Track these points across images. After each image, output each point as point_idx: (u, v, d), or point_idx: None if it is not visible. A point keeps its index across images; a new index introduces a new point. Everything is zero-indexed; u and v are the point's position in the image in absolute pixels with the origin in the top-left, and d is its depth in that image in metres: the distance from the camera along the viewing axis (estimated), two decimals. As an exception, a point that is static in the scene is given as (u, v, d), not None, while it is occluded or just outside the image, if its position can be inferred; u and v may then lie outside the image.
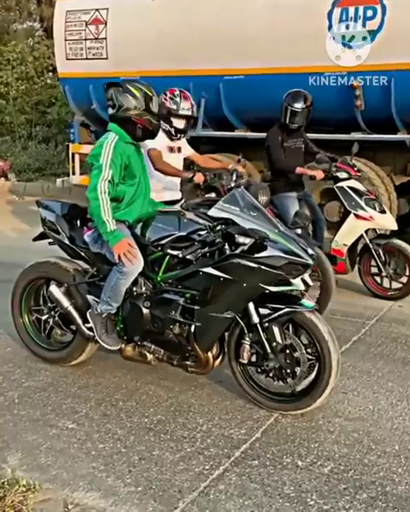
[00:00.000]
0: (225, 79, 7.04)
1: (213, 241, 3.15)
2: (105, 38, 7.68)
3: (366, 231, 5.18)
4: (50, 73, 14.53)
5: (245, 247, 3.06)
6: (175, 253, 3.26)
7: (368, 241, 5.20)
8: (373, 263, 5.27)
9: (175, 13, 7.19)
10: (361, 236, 5.19)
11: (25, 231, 7.31)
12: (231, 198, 3.23)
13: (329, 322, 4.75)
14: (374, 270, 5.32)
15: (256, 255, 3.05)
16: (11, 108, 14.26)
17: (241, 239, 3.01)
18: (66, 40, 7.98)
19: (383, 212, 5.17)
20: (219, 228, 3.16)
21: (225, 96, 7.14)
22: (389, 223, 5.21)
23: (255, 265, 3.04)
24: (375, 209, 5.10)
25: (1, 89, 14.26)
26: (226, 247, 3.11)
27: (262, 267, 3.04)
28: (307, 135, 5.46)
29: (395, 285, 5.28)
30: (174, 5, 7.20)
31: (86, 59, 7.89)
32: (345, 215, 5.24)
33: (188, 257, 3.22)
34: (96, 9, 7.68)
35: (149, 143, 3.94)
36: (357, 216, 5.08)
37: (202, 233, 3.25)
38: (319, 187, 6.20)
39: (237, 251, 3.07)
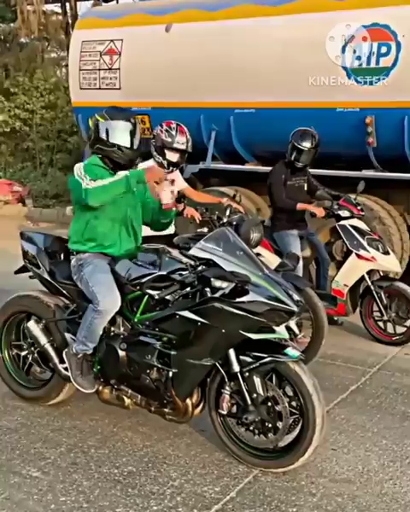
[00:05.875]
0: (236, 112, 6.96)
1: (193, 282, 2.96)
2: (119, 69, 7.68)
3: (370, 273, 4.95)
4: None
5: (225, 291, 2.85)
6: (154, 292, 3.06)
7: (370, 283, 4.94)
8: (376, 307, 5.01)
9: (188, 46, 7.16)
10: (363, 277, 4.96)
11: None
12: (214, 236, 3.06)
13: (328, 368, 4.49)
14: (377, 314, 5.06)
15: (237, 300, 2.84)
16: (34, 135, 14.40)
17: (217, 283, 2.79)
18: (80, 70, 8.00)
19: (386, 253, 4.93)
20: (200, 268, 2.98)
21: (235, 129, 7.05)
22: (392, 264, 4.96)
23: (235, 311, 2.83)
24: (378, 249, 4.87)
25: (25, 115, 14.42)
26: (206, 289, 2.91)
27: (242, 313, 2.83)
28: (317, 171, 5.28)
29: (400, 329, 5.00)
30: (187, 38, 7.18)
31: (99, 89, 7.89)
32: (347, 254, 5.02)
33: (167, 298, 3.04)
34: (111, 40, 7.70)
35: None
36: (359, 256, 4.86)
37: (183, 273, 3.06)
38: (327, 224, 5.99)
39: (217, 294, 2.87)
